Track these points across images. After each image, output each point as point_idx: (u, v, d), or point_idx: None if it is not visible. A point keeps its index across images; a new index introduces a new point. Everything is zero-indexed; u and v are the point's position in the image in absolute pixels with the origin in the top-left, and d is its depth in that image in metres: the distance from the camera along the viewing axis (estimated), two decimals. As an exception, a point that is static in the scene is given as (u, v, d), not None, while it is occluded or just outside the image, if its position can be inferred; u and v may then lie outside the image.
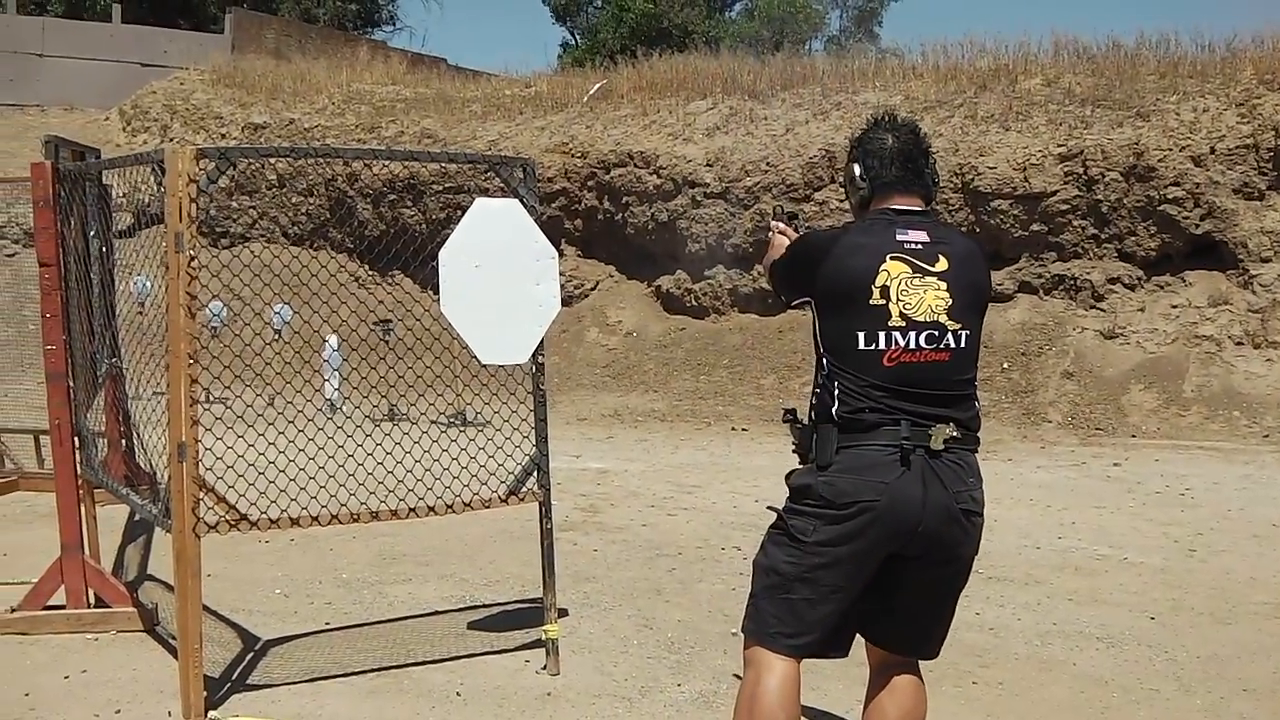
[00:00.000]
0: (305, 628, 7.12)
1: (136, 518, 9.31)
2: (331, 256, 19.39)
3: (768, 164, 17.83)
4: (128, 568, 8.26)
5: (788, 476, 4.25)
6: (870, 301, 4.09)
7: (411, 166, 18.92)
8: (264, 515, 5.81)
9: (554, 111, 21.16)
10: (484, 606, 7.50)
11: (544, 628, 6.38)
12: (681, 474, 11.66)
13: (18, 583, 7.62)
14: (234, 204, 21.27)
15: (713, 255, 18.05)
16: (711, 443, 13.70)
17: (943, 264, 4.18)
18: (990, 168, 16.72)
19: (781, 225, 4.72)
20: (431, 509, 6.13)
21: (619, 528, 9.59)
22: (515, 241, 6.11)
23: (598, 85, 21.89)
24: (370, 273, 18.00)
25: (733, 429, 14.54)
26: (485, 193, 20.39)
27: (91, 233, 7.41)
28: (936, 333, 4.12)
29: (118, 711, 5.90)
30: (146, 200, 7.25)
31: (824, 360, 4.19)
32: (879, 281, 4.10)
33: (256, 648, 6.77)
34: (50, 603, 7.10)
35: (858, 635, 4.40)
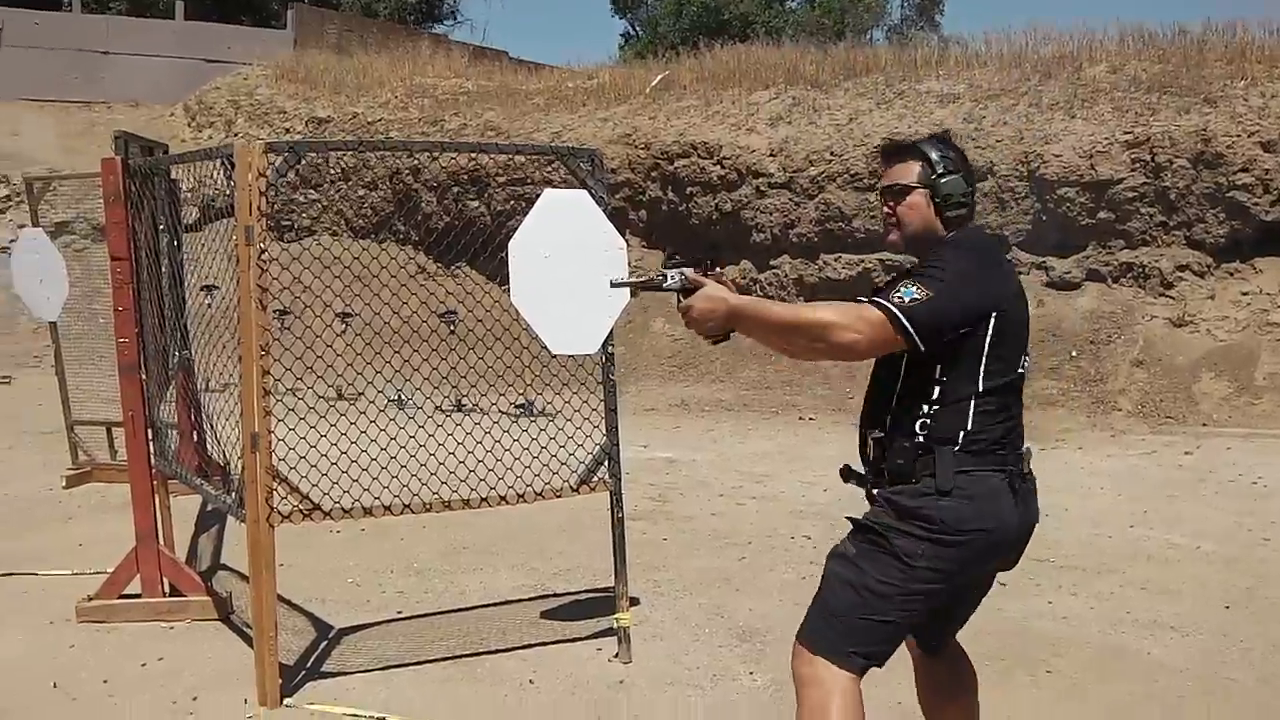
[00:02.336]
0: (378, 616, 7.16)
1: (209, 508, 9.38)
2: (396, 250, 19.54)
3: (831, 153, 17.72)
4: (201, 557, 8.33)
5: (894, 497, 4.00)
6: (1027, 323, 4.11)
7: (476, 159, 18.95)
8: (337, 505, 5.85)
9: (617, 103, 21.12)
10: (555, 595, 7.52)
11: (615, 616, 6.39)
12: (749, 463, 11.63)
13: (94, 572, 7.72)
14: (299, 197, 21.38)
15: (777, 245, 17.97)
16: (779, 432, 13.65)
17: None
18: (1056, 155, 16.55)
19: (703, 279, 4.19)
20: (503, 498, 6.16)
21: (688, 517, 9.58)
22: (584, 232, 6.10)
23: (660, 76, 21.83)
24: (436, 265, 18.03)
25: (800, 418, 14.49)
26: (549, 184, 20.41)
27: (161, 227, 7.47)
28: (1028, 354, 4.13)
29: (195, 699, 5.96)
30: (212, 195, 7.34)
31: (968, 388, 3.93)
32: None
33: (330, 636, 6.83)
34: (126, 591, 7.18)
35: None
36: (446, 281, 14.28)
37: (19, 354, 20.48)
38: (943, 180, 4.04)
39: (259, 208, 5.51)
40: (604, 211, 6.21)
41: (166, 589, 7.20)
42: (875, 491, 4.08)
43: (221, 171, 5.88)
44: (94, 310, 11.96)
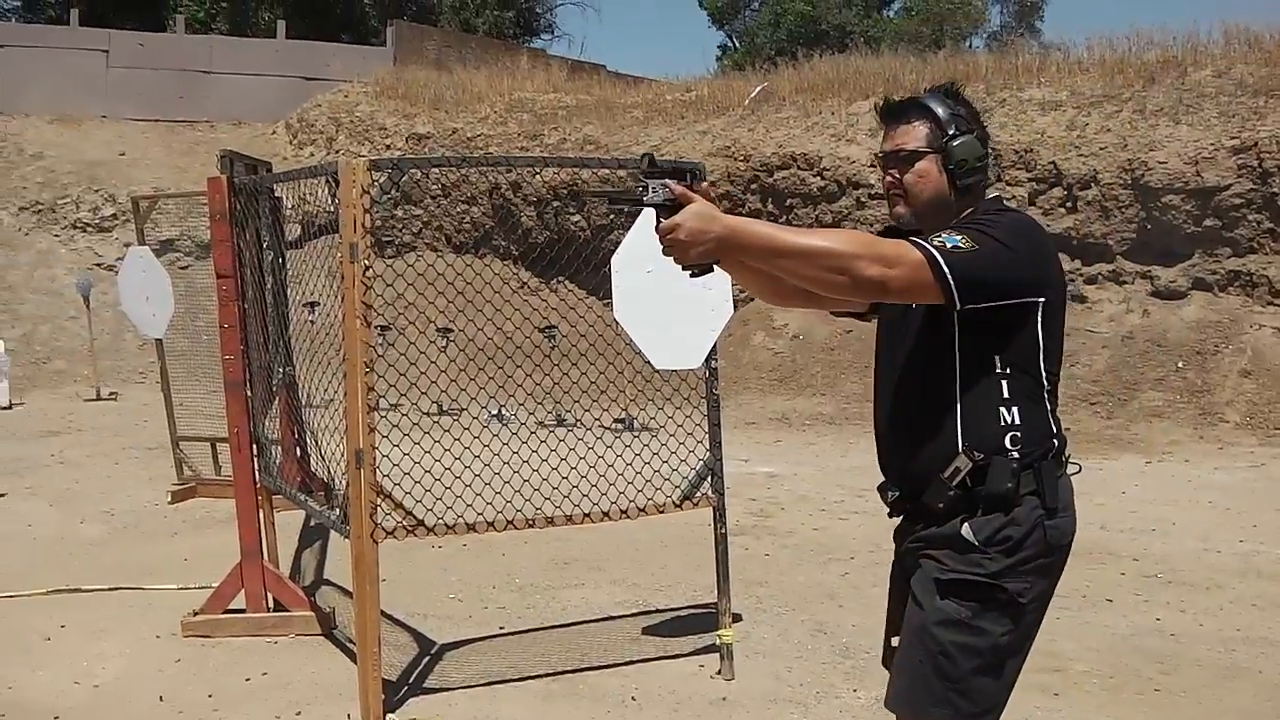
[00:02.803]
0: (480, 632, 7.17)
1: (312, 523, 9.45)
2: (496, 265, 19.63)
3: (932, 163, 17.59)
4: (304, 572, 8.38)
5: (952, 510, 3.41)
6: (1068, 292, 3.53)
7: (575, 173, 19.01)
8: (440, 521, 5.86)
9: (715, 115, 21.11)
10: (657, 611, 7.48)
11: (718, 633, 6.34)
12: (851, 477, 11.53)
13: (199, 587, 7.79)
14: (399, 213, 21.54)
15: (877, 257, 17.85)
16: (880, 446, 13.50)
17: None
18: (1160, 163, 16.32)
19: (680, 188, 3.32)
20: (605, 514, 6.13)
21: (789, 532, 9.52)
22: (686, 245, 6.07)
23: (759, 88, 21.79)
24: (536, 279, 18.11)
25: (901, 432, 14.35)
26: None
27: (265, 244, 7.53)
28: None
29: (298, 713, 6.00)
30: (314, 212, 7.37)
31: (1035, 376, 3.43)
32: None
33: (432, 652, 6.84)
34: (231, 606, 7.24)
35: None
36: (547, 296, 14.35)
37: (125, 370, 20.81)
38: (955, 143, 3.47)
39: (363, 225, 5.53)
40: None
41: (271, 604, 7.26)
42: (961, 527, 3.39)
43: (326, 189, 5.91)
44: (198, 327, 12.11)
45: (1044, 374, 3.41)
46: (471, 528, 5.90)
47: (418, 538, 5.80)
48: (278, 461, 7.68)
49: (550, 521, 6.04)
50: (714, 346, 6.20)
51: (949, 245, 3.23)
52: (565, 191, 19.91)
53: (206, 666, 6.69)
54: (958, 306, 3.24)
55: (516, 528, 6.00)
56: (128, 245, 15.18)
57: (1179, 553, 8.63)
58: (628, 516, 6.19)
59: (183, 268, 18.89)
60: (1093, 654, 6.56)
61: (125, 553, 9.16)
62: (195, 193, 12.35)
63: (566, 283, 16.43)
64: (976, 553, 3.34)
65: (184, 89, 28.41)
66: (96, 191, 24.59)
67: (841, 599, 7.67)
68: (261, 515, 7.32)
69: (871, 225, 17.80)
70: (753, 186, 19.23)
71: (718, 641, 6.35)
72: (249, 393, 7.21)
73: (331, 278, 6.27)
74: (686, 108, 21.84)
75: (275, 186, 7.59)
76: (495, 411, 11.53)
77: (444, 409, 10.32)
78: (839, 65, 22.18)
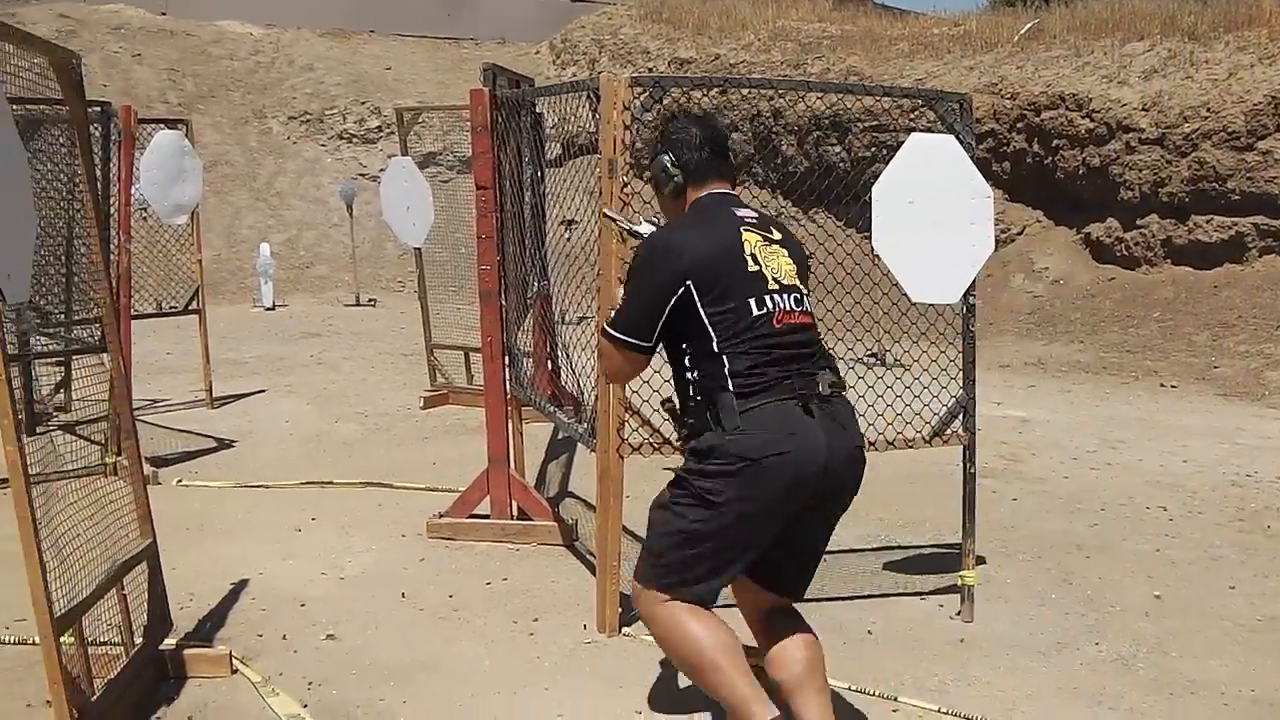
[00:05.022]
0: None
1: (559, 436, 9.56)
2: (754, 192, 19.54)
3: (1208, 110, 16.91)
4: (549, 483, 8.48)
5: (684, 440, 4.45)
6: (749, 269, 4.29)
7: (836, 103, 18.74)
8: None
9: (983, 51, 20.61)
10: (899, 548, 7.39)
11: (960, 573, 6.23)
12: (1106, 428, 11.21)
13: (445, 490, 7.95)
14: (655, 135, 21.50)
15: (1145, 204, 17.25)
16: (1139, 398, 13.10)
17: (777, 234, 4.48)
18: None
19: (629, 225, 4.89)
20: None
21: (1039, 478, 9.29)
22: (950, 179, 5.93)
23: (1030, 24, 21.21)
24: (793, 209, 17.96)
25: (1161, 385, 13.89)
26: (910, 131, 20.06)
27: (525, 159, 7.58)
28: (799, 295, 4.39)
29: (535, 620, 6.09)
30: (575, 131, 7.38)
31: (708, 340, 4.23)
32: (747, 250, 4.33)
33: (670, 570, 6.86)
34: (475, 512, 7.37)
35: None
36: (805, 225, 14.23)
37: (384, 278, 21.32)
38: (649, 164, 4.61)
39: (622, 141, 5.52)
40: (970, 159, 6.02)
41: (515, 512, 7.37)
42: (681, 446, 4.51)
43: (587, 105, 5.91)
44: (457, 239, 12.31)
45: (714, 339, 4.21)
46: (718, 449, 5.90)
47: (663, 455, 5.81)
48: (529, 373, 7.77)
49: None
50: (973, 283, 6.06)
51: (613, 314, 4.61)
52: (827, 121, 19.67)
53: (448, 568, 6.84)
54: (652, 347, 4.37)
55: (763, 452, 5.97)
56: (391, 156, 15.48)
57: None
58: (874, 449, 6.09)
59: (444, 181, 19.16)
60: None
61: (376, 453, 9.43)
62: (458, 106, 12.51)
63: (824, 214, 16.37)
64: (687, 459, 4.34)
65: (451, 7, 28.85)
66: (363, 104, 25.15)
67: (1088, 550, 7.46)
68: (510, 425, 7.42)
69: (1141, 172, 17.24)
70: (1018, 126, 18.74)
71: (959, 583, 6.24)
72: (503, 304, 7.30)
73: (590, 197, 6.32)
74: (954, 42, 21.38)
75: (537, 103, 7.63)
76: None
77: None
78: (1114, 4, 21.41)
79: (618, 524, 5.80)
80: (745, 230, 4.37)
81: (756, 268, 4.29)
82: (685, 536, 4.25)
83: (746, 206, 4.56)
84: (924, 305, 6.09)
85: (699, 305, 4.22)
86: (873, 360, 9.31)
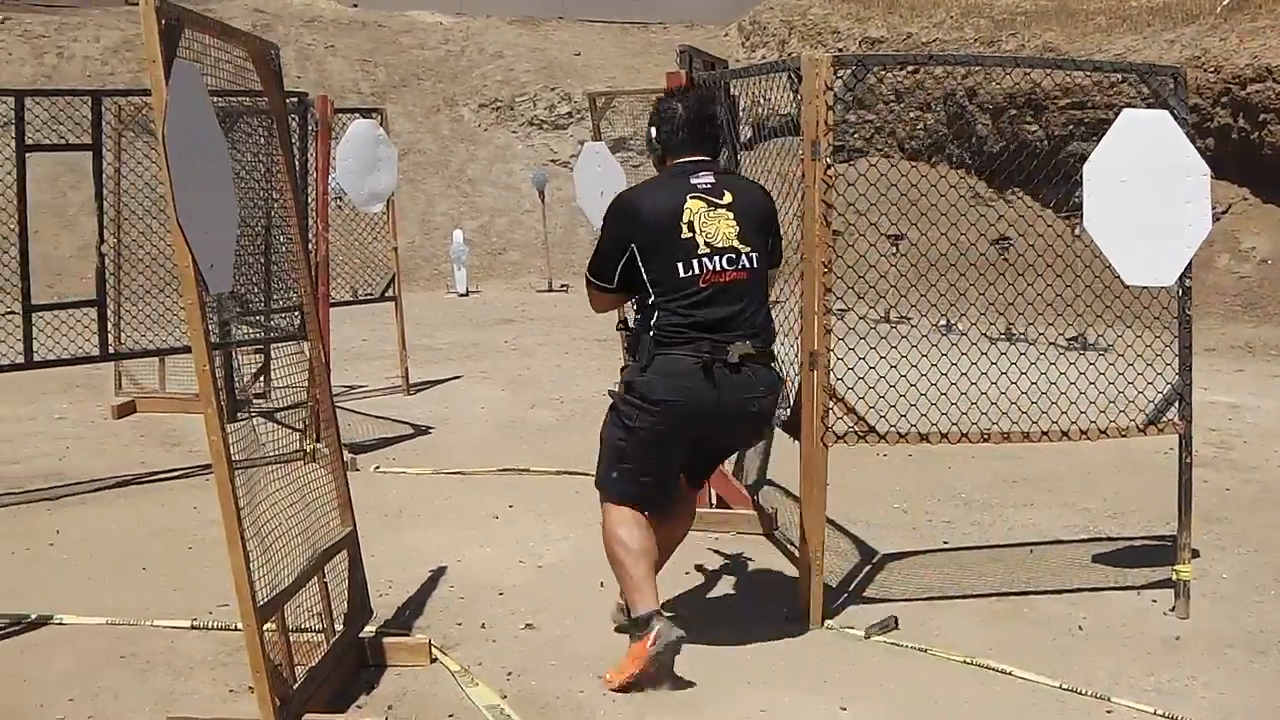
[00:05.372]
0: (923, 545, 7.02)
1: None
2: (948, 173, 19.19)
3: None
4: (747, 471, 8.35)
5: (622, 370, 5.37)
6: (681, 236, 5.15)
7: (1032, 80, 18.34)
8: (892, 429, 5.70)
9: (1184, 23, 19.96)
10: (1108, 539, 7.14)
11: (1175, 567, 5.99)
12: (1323, 414, 10.77)
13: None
14: (851, 118, 21.29)
15: (1360, 181, 16.62)
16: (1358, 382, 12.59)
17: (728, 197, 5.24)
18: None
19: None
20: (1065, 434, 5.85)
21: (1252, 467, 8.92)
22: (1164, 156, 5.71)
23: (1234, -4, 20.55)
24: (988, 189, 17.62)
25: (1379, 371, 13.33)
26: (1110, 108, 19.61)
27: (720, 142, 7.44)
28: (734, 255, 5.17)
29: (735, 611, 6.04)
30: (766, 115, 7.25)
31: (650, 293, 5.20)
32: (685, 219, 5.17)
33: (874, 561, 6.73)
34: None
35: None
36: (1000, 207, 13.93)
37: (576, 264, 21.32)
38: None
39: (825, 122, 5.38)
40: (1185, 134, 5.77)
41: (713, 500, 7.26)
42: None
43: (779, 90, 5.77)
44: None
45: (650, 291, 5.18)
46: (924, 438, 5.74)
47: (868, 444, 5.67)
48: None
49: (1006, 437, 5.80)
50: (1189, 264, 5.81)
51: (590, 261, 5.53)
52: (1023, 100, 19.24)
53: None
54: (614, 288, 5.38)
55: (971, 441, 5.80)
56: (582, 142, 15.48)
57: None
58: (1088, 437, 5.89)
59: (634, 166, 19.08)
60: None
61: (571, 439, 9.35)
62: (650, 90, 12.41)
63: (1020, 193, 16.02)
64: (621, 385, 5.30)
65: (640, -10, 28.83)
66: (552, 90, 25.22)
67: (1310, 542, 7.14)
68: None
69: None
70: (1222, 100, 18.12)
71: (1173, 577, 5.99)
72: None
73: (781, 181, 6.31)
74: (1154, 14, 20.75)
75: (732, 84, 7.49)
76: (944, 320, 11.28)
77: (890, 316, 10.16)
78: (1325, -28, 20.65)
79: (822, 514, 5.67)
80: (692, 198, 5.21)
81: (690, 234, 5.16)
82: (612, 452, 5.35)
83: (709, 173, 5.31)
84: (1134, 288, 5.87)
85: (640, 264, 5.21)
86: (1074, 344, 9.06)
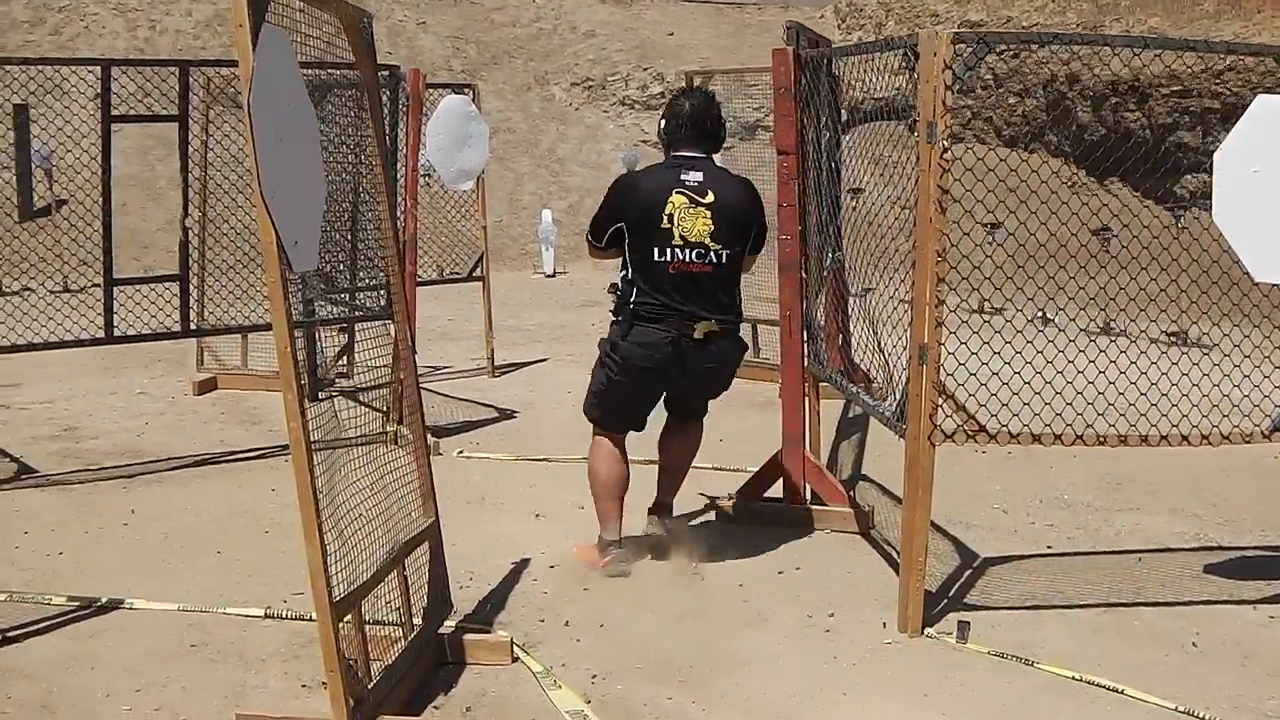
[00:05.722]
0: (1026, 549, 6.71)
1: (851, 414, 9.16)
2: (1047, 160, 18.76)
3: None
4: (841, 465, 8.10)
5: (610, 325, 6.27)
6: (661, 226, 5.98)
7: (1139, 69, 17.87)
8: (1004, 428, 5.42)
9: (1295, 10, 19.44)
10: (1220, 549, 6.80)
11: (1293, 581, 5.66)
12: None
13: (734, 469, 7.65)
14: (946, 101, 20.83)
15: None
16: None
17: (710, 197, 6.03)
18: None
19: None
20: (1185, 438, 5.54)
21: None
22: (1302, 145, 5.37)
23: (1349, -17, 19.90)
24: (1087, 178, 17.21)
25: None
26: (1216, 97, 19.14)
27: (822, 122, 7.18)
28: (703, 250, 6.01)
29: (831, 614, 5.76)
30: (860, 98, 7.23)
31: (630, 267, 6.11)
32: (667, 211, 5.99)
33: (974, 565, 6.44)
34: (767, 494, 7.03)
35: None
36: (1099, 196, 13.56)
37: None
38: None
39: (943, 103, 5.08)
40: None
41: (809, 496, 6.99)
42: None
43: (904, 63, 5.48)
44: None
45: (631, 266, 6.07)
46: (1037, 438, 5.45)
47: (978, 444, 5.40)
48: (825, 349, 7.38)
49: (1123, 440, 5.51)
50: (1323, 263, 5.48)
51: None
52: (1124, 87, 18.75)
53: (738, 554, 6.51)
54: (601, 246, 6.25)
55: (1086, 444, 5.51)
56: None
57: None
58: (1209, 442, 5.58)
59: (725, 148, 18.85)
60: None
61: (657, 426, 8.97)
62: (746, 69, 12.21)
63: (1119, 183, 15.62)
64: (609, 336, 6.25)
65: (735, -29, 28.58)
66: (645, 70, 25.02)
67: None
68: (807, 403, 7.06)
69: None
70: (1336, 90, 17.60)
71: (1294, 591, 5.68)
72: (804, 275, 6.93)
73: (877, 165, 6.55)
74: (1264, 1, 20.19)
75: (835, 64, 7.20)
76: (1041, 314, 10.91)
77: (984, 308, 9.82)
78: None
79: (926, 516, 5.39)
80: (677, 193, 6.02)
81: (668, 226, 5.98)
82: (596, 392, 6.32)
83: (700, 170, 6.10)
84: (1244, 284, 5.57)
85: (625, 240, 6.10)
86: (1174, 341, 8.71)
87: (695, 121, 6.20)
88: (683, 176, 6.05)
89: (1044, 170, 10.03)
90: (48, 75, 7.98)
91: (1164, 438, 5.50)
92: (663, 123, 6.34)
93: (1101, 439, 5.48)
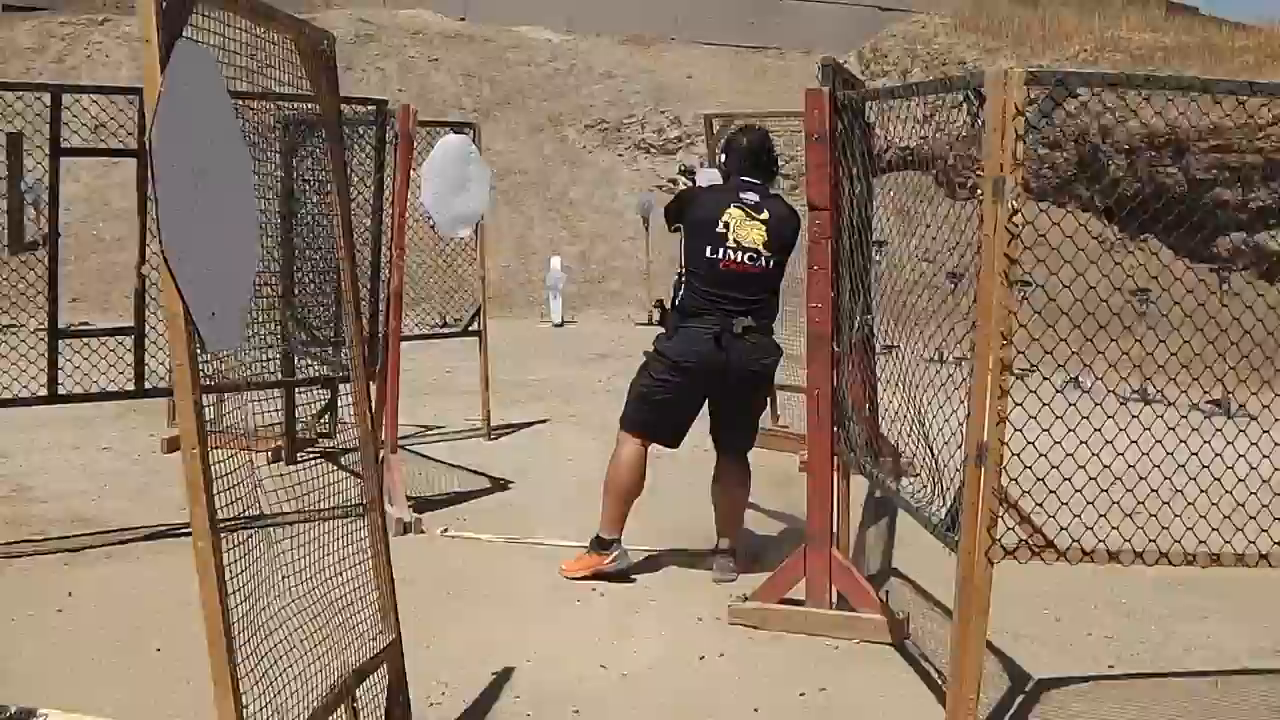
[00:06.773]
0: (1084, 668, 5.77)
1: (878, 494, 8.28)
2: (1077, 216, 18.00)
3: None
4: (869, 556, 7.22)
5: (655, 340, 6.93)
6: (716, 229, 6.65)
7: (1175, 121, 17.05)
8: (1076, 544, 4.55)
9: (1337, 61, 18.70)
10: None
11: None
12: None
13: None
14: (972, 153, 20.08)
15: None
16: None
17: (766, 215, 6.74)
18: None
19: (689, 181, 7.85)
20: (1289, 557, 4.66)
21: None
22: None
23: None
24: (1118, 235, 16.40)
25: None
26: (1259, 153, 18.35)
27: (854, 172, 6.36)
28: (755, 254, 6.67)
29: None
30: (884, 146, 7.37)
31: (685, 265, 6.78)
32: (723, 219, 6.67)
33: (1027, 688, 5.51)
34: (787, 596, 6.16)
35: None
36: (1136, 254, 12.79)
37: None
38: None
39: (1014, 154, 4.24)
40: None
41: (834, 600, 6.12)
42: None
43: (965, 106, 4.64)
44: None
45: (687, 263, 6.80)
46: (1114, 556, 4.58)
47: (1044, 562, 4.55)
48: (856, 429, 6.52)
49: (1215, 560, 4.62)
50: None
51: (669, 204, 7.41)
52: (1160, 140, 17.94)
53: (753, 668, 5.65)
54: (670, 225, 7.35)
55: (1172, 563, 4.64)
56: (698, 166, 14.50)
57: None
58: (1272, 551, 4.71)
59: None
60: None
61: (668, 507, 7.91)
62: (770, 114, 11.45)
63: (1154, 241, 14.84)
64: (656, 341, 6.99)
65: (755, 15, 28.34)
66: (662, 113, 24.51)
67: None
68: (836, 494, 6.21)
69: None
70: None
71: None
72: (834, 347, 6.11)
73: (902, 217, 6.85)
74: (1306, 50, 19.48)
75: (869, 109, 6.38)
76: (1073, 379, 10.10)
77: (1008, 365, 8.99)
78: None
79: (981, 644, 4.43)
80: (734, 206, 6.71)
81: (724, 230, 6.66)
82: (638, 394, 6.86)
83: (754, 192, 6.82)
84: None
85: (685, 238, 6.88)
86: (1213, 410, 7.93)
87: (753, 154, 6.96)
88: (741, 195, 6.79)
89: (1073, 224, 9.50)
90: (45, 104, 7.18)
91: (1263, 556, 4.62)
92: (723, 156, 7.24)
93: (1190, 557, 4.61)
